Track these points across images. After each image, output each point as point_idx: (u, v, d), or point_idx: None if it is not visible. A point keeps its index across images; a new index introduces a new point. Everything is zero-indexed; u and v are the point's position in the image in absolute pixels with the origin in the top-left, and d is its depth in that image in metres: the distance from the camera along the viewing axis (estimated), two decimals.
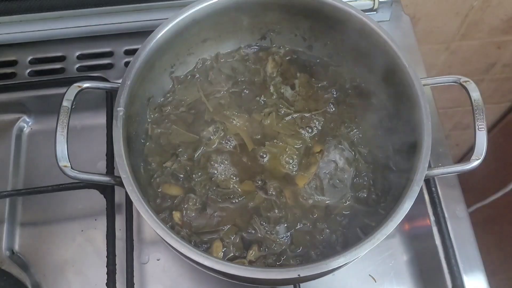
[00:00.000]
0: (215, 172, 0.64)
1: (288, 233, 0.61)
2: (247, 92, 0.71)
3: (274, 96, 0.70)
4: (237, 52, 0.74)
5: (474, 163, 0.56)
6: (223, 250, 0.60)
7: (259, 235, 0.61)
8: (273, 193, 0.63)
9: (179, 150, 0.66)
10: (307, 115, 0.68)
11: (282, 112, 0.69)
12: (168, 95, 0.71)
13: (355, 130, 0.67)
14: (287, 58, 0.74)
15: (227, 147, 0.67)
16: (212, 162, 0.65)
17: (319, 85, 0.71)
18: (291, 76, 0.72)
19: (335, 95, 0.71)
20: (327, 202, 0.63)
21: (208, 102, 0.69)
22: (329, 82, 0.72)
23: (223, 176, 0.64)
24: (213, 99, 0.70)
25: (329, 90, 0.71)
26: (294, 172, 0.65)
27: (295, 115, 0.68)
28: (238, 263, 0.58)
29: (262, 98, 0.70)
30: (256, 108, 0.69)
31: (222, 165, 0.65)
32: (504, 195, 1.30)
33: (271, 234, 0.60)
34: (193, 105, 0.70)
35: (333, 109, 0.69)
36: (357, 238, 0.60)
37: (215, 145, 0.66)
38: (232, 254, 0.60)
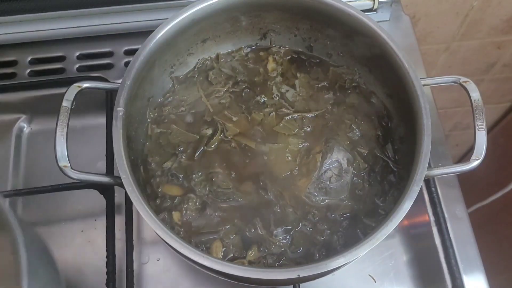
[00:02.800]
0: (215, 172, 0.64)
1: (288, 235, 0.61)
2: (247, 92, 0.71)
3: (275, 96, 0.70)
4: (237, 52, 0.74)
5: (474, 163, 0.56)
6: (222, 250, 0.60)
7: (259, 235, 0.61)
8: (274, 193, 0.63)
9: (179, 149, 0.66)
10: (307, 115, 0.68)
11: (282, 112, 0.69)
12: (168, 95, 0.71)
13: (355, 130, 0.67)
14: (287, 58, 0.74)
15: (227, 147, 0.66)
16: (212, 162, 0.65)
17: (319, 85, 0.71)
18: (292, 76, 0.72)
19: (335, 96, 0.71)
20: (327, 202, 0.63)
21: (209, 102, 0.69)
22: (329, 83, 0.72)
23: (223, 177, 0.64)
24: (213, 99, 0.70)
25: (329, 90, 0.71)
26: (294, 172, 0.65)
27: (295, 115, 0.68)
28: (238, 263, 0.58)
29: (262, 98, 0.70)
30: (257, 108, 0.69)
31: (222, 165, 0.65)
32: (504, 195, 1.30)
33: (271, 235, 0.60)
34: (193, 105, 0.70)
35: (333, 109, 0.69)
36: (357, 238, 0.60)
37: (215, 145, 0.66)
38: (232, 254, 0.60)
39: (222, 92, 0.70)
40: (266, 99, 0.70)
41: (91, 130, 0.78)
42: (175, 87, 0.71)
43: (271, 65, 0.72)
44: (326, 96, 0.70)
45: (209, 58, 0.73)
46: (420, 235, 0.71)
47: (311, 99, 0.70)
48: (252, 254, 0.59)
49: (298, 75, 0.72)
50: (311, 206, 0.63)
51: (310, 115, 0.69)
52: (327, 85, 0.71)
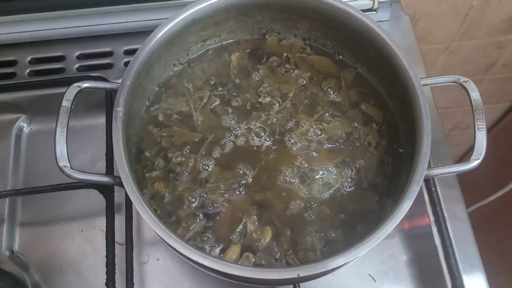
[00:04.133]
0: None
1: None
2: (226, 92, 0.69)
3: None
4: (204, 55, 0.72)
5: (474, 163, 0.56)
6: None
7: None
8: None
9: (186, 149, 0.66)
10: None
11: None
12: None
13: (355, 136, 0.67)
14: (247, 51, 0.72)
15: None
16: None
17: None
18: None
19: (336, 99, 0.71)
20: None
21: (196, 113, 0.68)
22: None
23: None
24: (202, 106, 0.68)
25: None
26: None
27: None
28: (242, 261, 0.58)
29: (237, 97, 0.68)
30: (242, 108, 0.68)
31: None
32: (504, 195, 1.30)
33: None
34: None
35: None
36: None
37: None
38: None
39: (206, 99, 0.68)
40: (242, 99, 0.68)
41: (91, 130, 0.78)
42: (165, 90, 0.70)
43: (234, 63, 0.71)
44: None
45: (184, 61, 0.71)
46: (420, 235, 0.71)
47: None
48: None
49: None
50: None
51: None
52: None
